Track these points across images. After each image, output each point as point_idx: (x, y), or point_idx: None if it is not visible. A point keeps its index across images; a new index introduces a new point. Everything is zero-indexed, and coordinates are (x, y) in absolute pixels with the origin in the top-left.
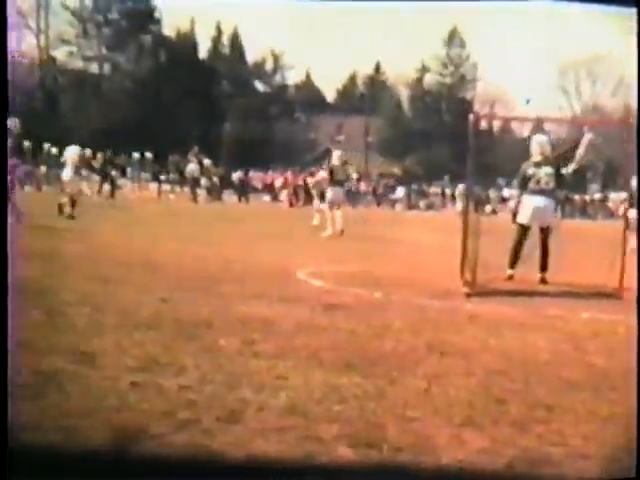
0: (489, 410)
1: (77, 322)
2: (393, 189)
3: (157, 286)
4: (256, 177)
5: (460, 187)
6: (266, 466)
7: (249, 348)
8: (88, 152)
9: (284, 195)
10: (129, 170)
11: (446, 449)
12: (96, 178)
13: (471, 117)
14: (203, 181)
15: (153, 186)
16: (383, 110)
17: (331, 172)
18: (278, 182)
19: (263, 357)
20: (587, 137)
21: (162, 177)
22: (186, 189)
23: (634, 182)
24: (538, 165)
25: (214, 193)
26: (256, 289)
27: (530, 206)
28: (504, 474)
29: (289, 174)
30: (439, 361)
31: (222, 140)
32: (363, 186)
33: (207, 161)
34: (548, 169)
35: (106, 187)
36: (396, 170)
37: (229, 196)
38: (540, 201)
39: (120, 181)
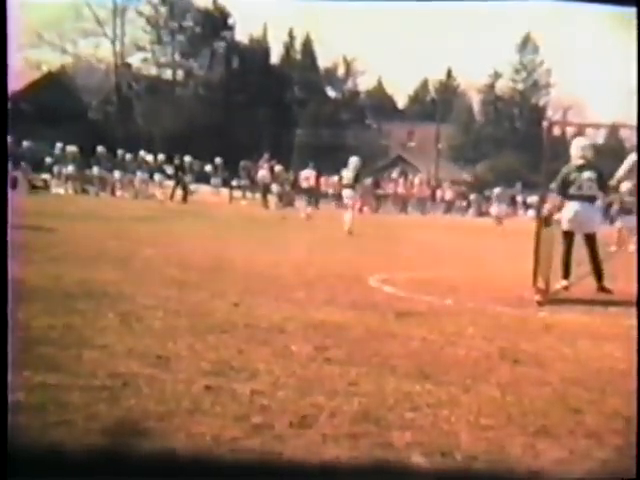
0: (564, 420)
1: (153, 325)
2: (464, 196)
3: (230, 290)
4: (327, 183)
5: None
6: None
7: (321, 354)
8: (161, 157)
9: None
10: (201, 176)
11: (520, 459)
12: (169, 183)
13: (544, 124)
14: (274, 187)
15: (224, 192)
16: (454, 116)
17: (340, 177)
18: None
19: (335, 363)
20: (632, 158)
21: (233, 183)
22: (257, 195)
23: None
24: (580, 169)
25: (285, 199)
26: (328, 295)
27: (572, 212)
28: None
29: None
30: (513, 369)
31: (293, 146)
32: (431, 192)
33: (278, 167)
34: (590, 173)
35: (178, 192)
36: (467, 177)
37: (300, 202)
38: (582, 207)
39: (192, 187)
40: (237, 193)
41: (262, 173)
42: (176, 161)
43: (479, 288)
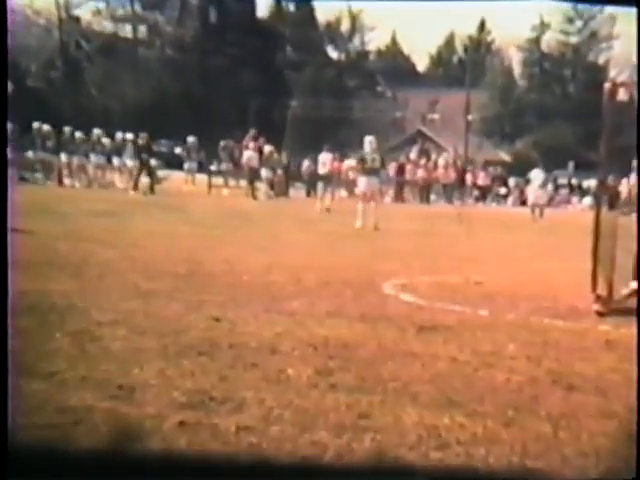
0: (634, 461)
1: (112, 347)
2: (502, 180)
3: (209, 302)
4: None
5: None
6: None
7: (324, 379)
8: (121, 137)
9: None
10: (172, 159)
11: None
12: (131, 169)
13: (606, 86)
14: (264, 172)
15: (201, 179)
16: (488, 80)
17: (362, 160)
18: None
19: (342, 390)
20: None
21: (212, 167)
22: (243, 182)
23: None
24: None
25: (278, 187)
26: (332, 306)
27: None
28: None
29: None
30: (566, 397)
31: (287, 121)
32: (459, 176)
33: (268, 147)
34: None
35: (144, 180)
36: (505, 156)
37: (297, 190)
38: None
39: (161, 173)
40: (217, 180)
41: (248, 155)
42: (140, 141)
43: (521, 295)
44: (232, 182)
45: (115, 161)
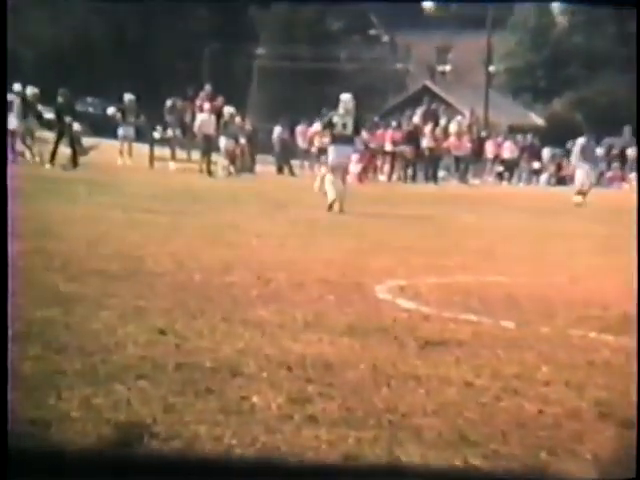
0: None
1: (21, 369)
2: (534, 151)
3: (151, 309)
4: (306, 136)
5: None
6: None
7: (300, 409)
8: (32, 93)
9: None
10: (102, 123)
11: None
12: (47, 136)
13: None
14: (223, 142)
15: (141, 149)
16: (516, 19)
17: (329, 124)
18: None
19: (323, 424)
20: None
21: (155, 135)
22: (195, 154)
23: None
24: None
25: (240, 161)
26: (310, 313)
27: None
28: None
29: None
30: (619, 436)
31: (252, 75)
32: (476, 146)
33: (228, 109)
34: None
35: (63, 150)
36: (538, 120)
37: (264, 166)
38: None
39: (87, 141)
40: (162, 151)
41: (202, 119)
42: (59, 99)
43: (558, 302)
44: (181, 154)
45: (21, 125)
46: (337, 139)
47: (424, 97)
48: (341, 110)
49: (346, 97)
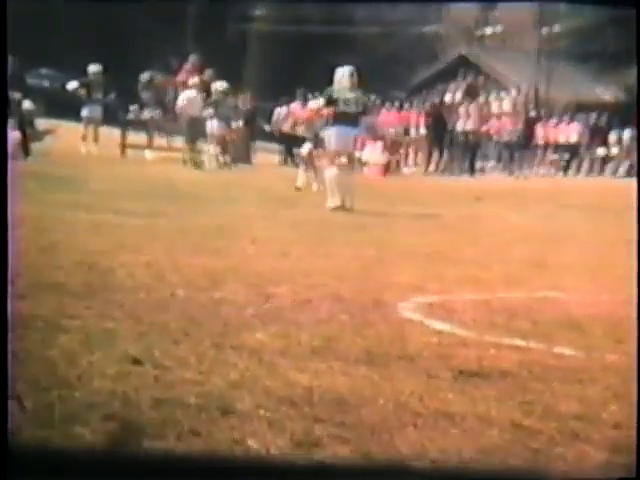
0: None
1: None
2: (599, 134)
3: (123, 333)
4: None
5: None
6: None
7: (306, 455)
8: None
9: (369, 153)
10: (61, 101)
11: None
12: None
13: None
14: (212, 125)
15: (110, 133)
16: None
17: (329, 100)
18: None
19: (335, 474)
20: None
21: (130, 115)
22: (178, 141)
23: None
24: None
25: (234, 149)
26: (319, 338)
27: None
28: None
29: (384, 112)
30: None
31: (249, 42)
32: (526, 127)
33: (219, 84)
34: None
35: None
36: (605, 94)
37: (264, 155)
38: None
39: (42, 122)
40: (136, 136)
41: (187, 96)
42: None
43: (626, 323)
44: (160, 140)
45: None
46: (338, 120)
47: (460, 68)
48: (346, 83)
49: (346, 70)
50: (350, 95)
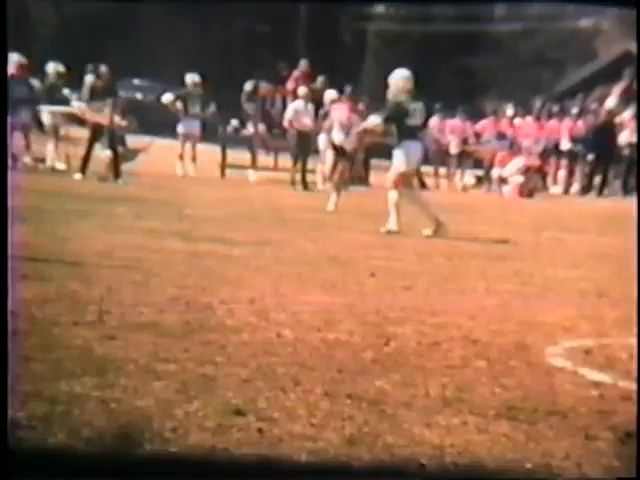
0: None
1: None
2: None
3: (224, 380)
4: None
5: None
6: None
7: None
8: (54, 69)
9: (509, 170)
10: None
11: None
12: (76, 131)
13: None
14: (325, 141)
15: (209, 151)
16: None
17: (391, 113)
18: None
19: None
20: None
21: (230, 131)
22: (286, 159)
23: None
24: None
25: (350, 168)
26: (451, 388)
27: None
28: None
29: (520, 122)
30: None
31: (367, 44)
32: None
33: (332, 94)
34: None
35: (99, 153)
36: None
37: (381, 175)
38: None
39: (133, 139)
40: (238, 155)
41: (296, 108)
42: (92, 79)
43: None
44: (266, 158)
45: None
46: (404, 134)
47: (624, 68)
48: (401, 93)
49: (402, 74)
50: (407, 104)
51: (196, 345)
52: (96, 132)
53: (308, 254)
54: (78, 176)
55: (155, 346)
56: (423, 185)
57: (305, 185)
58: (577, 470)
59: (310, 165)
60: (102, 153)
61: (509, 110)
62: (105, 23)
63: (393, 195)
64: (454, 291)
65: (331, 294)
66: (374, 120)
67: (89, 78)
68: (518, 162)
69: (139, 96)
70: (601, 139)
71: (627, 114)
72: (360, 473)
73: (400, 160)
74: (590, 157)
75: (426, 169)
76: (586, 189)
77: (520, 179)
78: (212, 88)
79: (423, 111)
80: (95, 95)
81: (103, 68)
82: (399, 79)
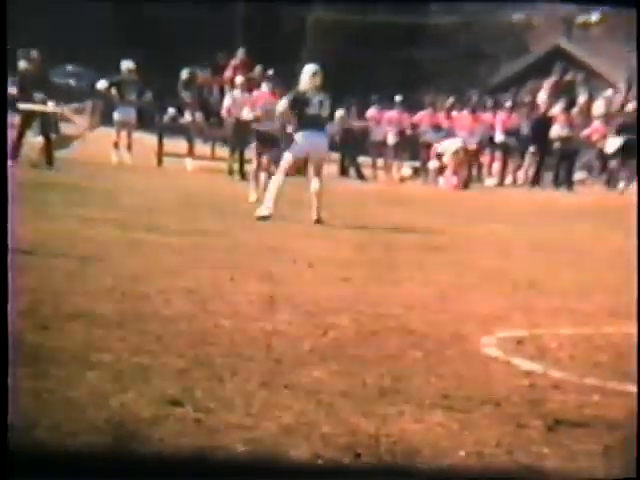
0: None
1: None
2: None
3: (160, 369)
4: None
5: None
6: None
7: None
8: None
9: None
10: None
11: None
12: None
13: None
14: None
15: (145, 139)
16: None
17: (295, 101)
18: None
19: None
20: None
21: (166, 119)
22: (223, 149)
23: None
24: None
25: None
26: (388, 378)
27: None
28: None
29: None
30: None
31: (305, 34)
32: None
33: (269, 84)
34: None
35: (32, 140)
36: None
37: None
38: None
39: (67, 127)
40: (175, 143)
41: (233, 97)
42: (24, 64)
43: None
44: (203, 147)
45: None
46: (306, 123)
47: (556, 63)
48: (308, 84)
49: (311, 68)
50: (316, 96)
51: (132, 335)
52: (28, 118)
53: (247, 243)
54: (8, 163)
55: (89, 335)
56: (361, 176)
57: (243, 175)
58: (508, 457)
59: (248, 155)
60: (34, 139)
61: (449, 102)
62: (40, 9)
63: (278, 180)
64: (391, 282)
65: (269, 284)
66: (282, 104)
67: (22, 64)
68: (456, 142)
69: (72, 82)
70: (535, 132)
71: (557, 108)
72: (297, 463)
73: (294, 148)
74: (524, 150)
75: (364, 160)
76: (521, 181)
77: (452, 160)
78: (148, 75)
79: (328, 102)
80: (26, 80)
81: (34, 53)
82: (306, 74)
